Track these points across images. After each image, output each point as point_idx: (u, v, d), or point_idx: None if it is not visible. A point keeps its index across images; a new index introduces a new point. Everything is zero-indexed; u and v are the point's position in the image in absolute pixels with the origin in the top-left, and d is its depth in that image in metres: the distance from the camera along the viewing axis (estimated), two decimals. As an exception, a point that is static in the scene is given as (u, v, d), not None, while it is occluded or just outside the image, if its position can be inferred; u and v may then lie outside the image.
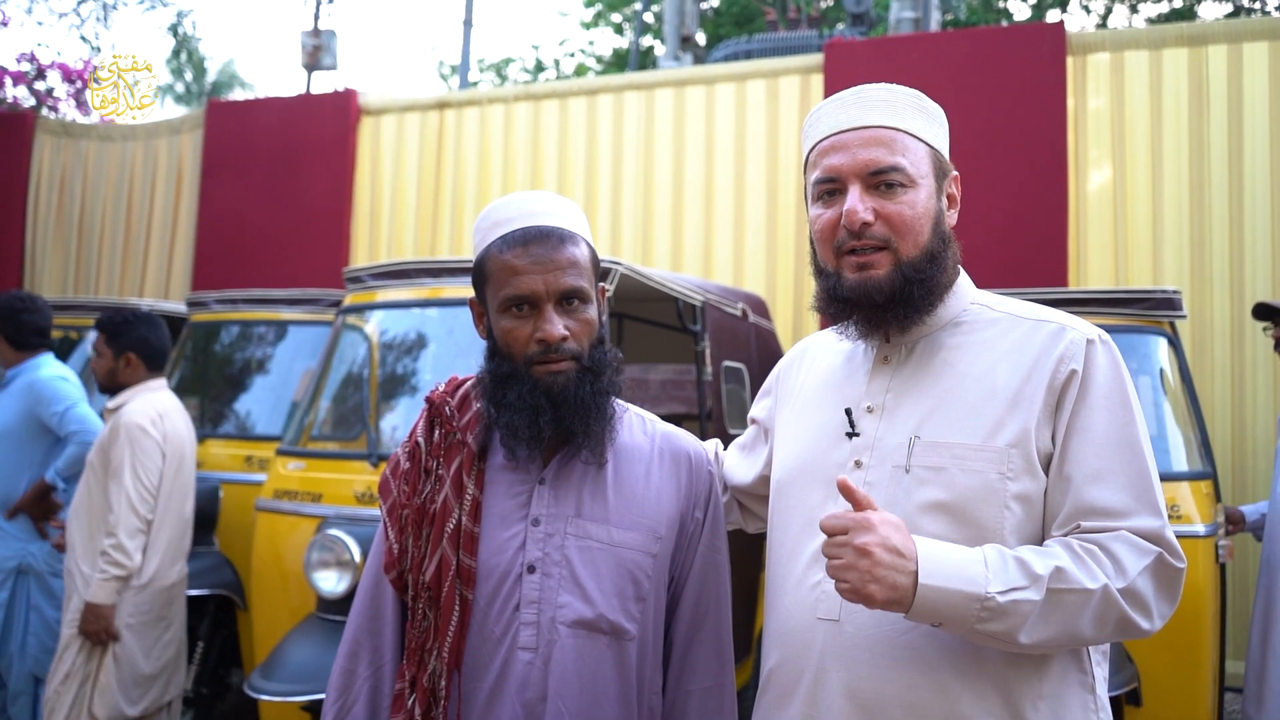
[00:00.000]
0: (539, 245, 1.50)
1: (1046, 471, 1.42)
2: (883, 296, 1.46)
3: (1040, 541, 1.41)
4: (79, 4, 11.26)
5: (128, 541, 3.32)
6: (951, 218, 1.55)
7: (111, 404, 3.57)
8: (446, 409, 1.60)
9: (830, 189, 1.50)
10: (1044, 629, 1.31)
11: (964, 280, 1.58)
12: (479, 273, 1.57)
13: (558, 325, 1.48)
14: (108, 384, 3.62)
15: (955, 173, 1.57)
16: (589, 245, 1.58)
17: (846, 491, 1.33)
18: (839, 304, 1.50)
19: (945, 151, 1.55)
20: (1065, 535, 1.38)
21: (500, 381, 1.52)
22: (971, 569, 1.30)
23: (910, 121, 1.50)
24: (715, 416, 4.14)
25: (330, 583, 3.32)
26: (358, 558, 3.28)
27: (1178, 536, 1.41)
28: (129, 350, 3.59)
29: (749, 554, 4.12)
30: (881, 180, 1.46)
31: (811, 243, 1.57)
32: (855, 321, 1.51)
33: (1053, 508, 1.41)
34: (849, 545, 1.29)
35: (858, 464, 1.49)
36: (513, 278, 1.49)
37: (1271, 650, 3.42)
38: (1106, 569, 1.33)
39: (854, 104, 1.51)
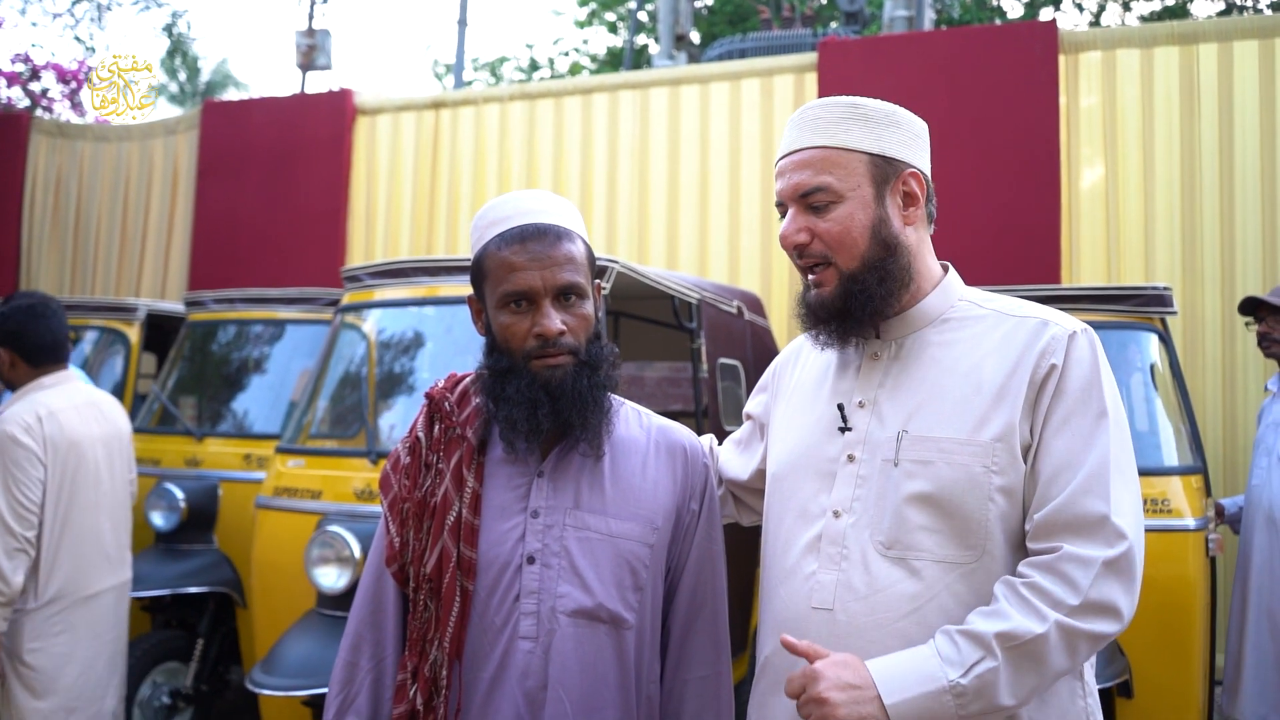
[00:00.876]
0: (536, 242, 1.53)
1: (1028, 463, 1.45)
2: (832, 312, 1.54)
3: (1024, 530, 1.45)
4: (73, 4, 11.26)
5: (4, 563, 2.96)
6: (911, 216, 1.57)
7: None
8: (446, 404, 1.63)
9: (781, 212, 1.59)
10: (1020, 684, 1.34)
11: (952, 277, 1.62)
12: (477, 270, 1.60)
13: (555, 320, 1.51)
14: (10, 387, 3.30)
15: (912, 168, 1.56)
16: (585, 242, 1.62)
17: (790, 647, 1.38)
18: (806, 315, 1.60)
19: (898, 152, 1.55)
20: (1028, 546, 1.42)
21: (499, 376, 1.55)
22: (927, 666, 1.34)
23: (842, 135, 1.54)
24: (711, 413, 4.17)
25: (330, 579, 3.35)
26: (357, 554, 3.31)
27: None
28: (4, 347, 3.23)
29: (744, 550, 4.15)
30: (809, 201, 1.53)
31: None
32: (819, 332, 1.59)
33: (1027, 498, 1.44)
34: (809, 700, 1.33)
35: (850, 458, 1.53)
36: (511, 274, 1.52)
37: (1246, 640, 3.48)
38: (1055, 597, 1.34)
39: (796, 126, 1.58)
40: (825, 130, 1.54)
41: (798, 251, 1.55)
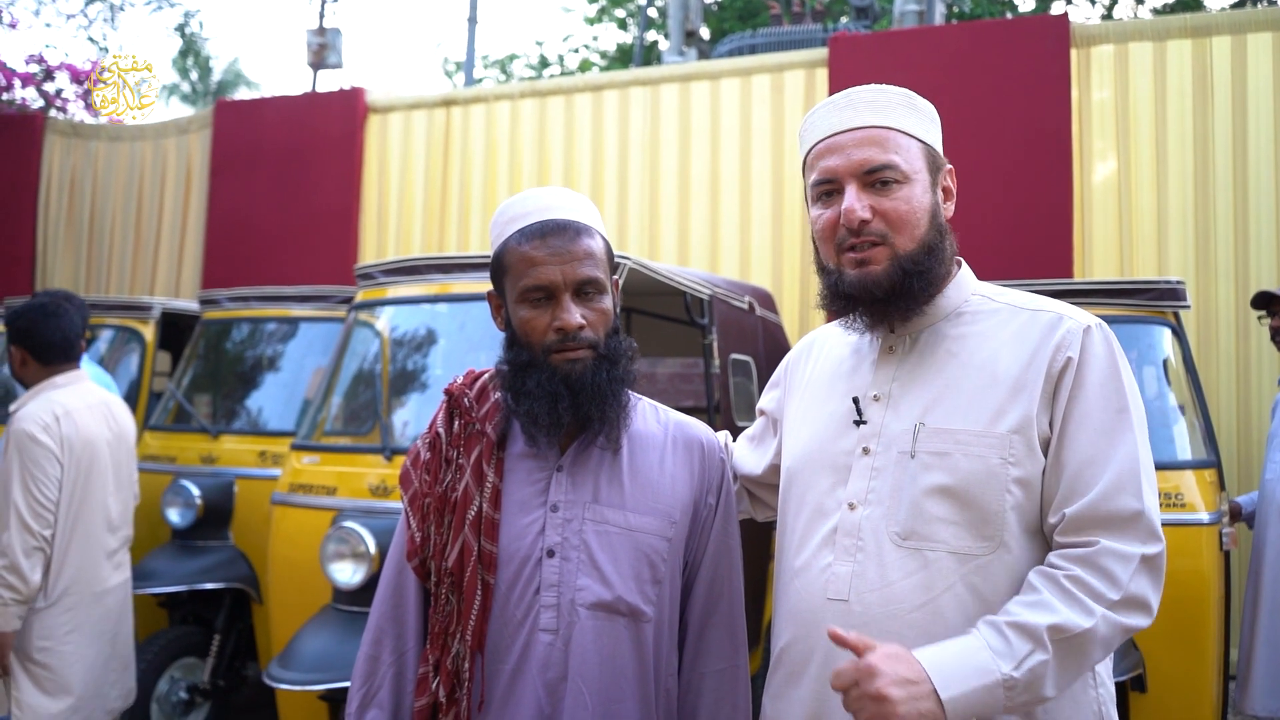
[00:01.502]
0: (556, 237, 1.55)
1: (1046, 456, 1.46)
2: (882, 291, 1.51)
3: (1040, 522, 1.45)
4: (86, 5, 11.31)
5: (22, 561, 3.00)
6: (947, 210, 1.59)
7: (12, 407, 3.26)
8: (465, 400, 1.65)
9: (828, 189, 1.55)
10: (1064, 676, 1.35)
11: (965, 272, 1.62)
12: (497, 265, 1.61)
13: (575, 314, 1.53)
14: (22, 385, 3.35)
15: (949, 166, 1.60)
16: (603, 238, 1.63)
17: (839, 640, 1.34)
18: (842, 300, 1.55)
19: (938, 146, 1.59)
20: (1055, 539, 1.42)
21: (519, 370, 1.56)
22: (978, 658, 1.32)
23: (901, 119, 1.55)
24: (723, 409, 4.18)
25: (346, 574, 3.37)
26: (373, 549, 3.33)
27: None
28: (16, 345, 3.26)
29: (758, 545, 4.16)
30: (877, 178, 1.51)
31: (814, 242, 1.62)
32: (859, 316, 1.56)
33: (1049, 491, 1.45)
34: (864, 696, 1.30)
35: (865, 450, 1.54)
36: (531, 269, 1.54)
37: (1259, 634, 3.48)
38: (1097, 590, 1.36)
39: (845, 106, 1.56)
40: (886, 112, 1.54)
41: (855, 230, 1.50)
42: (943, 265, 1.54)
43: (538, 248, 1.54)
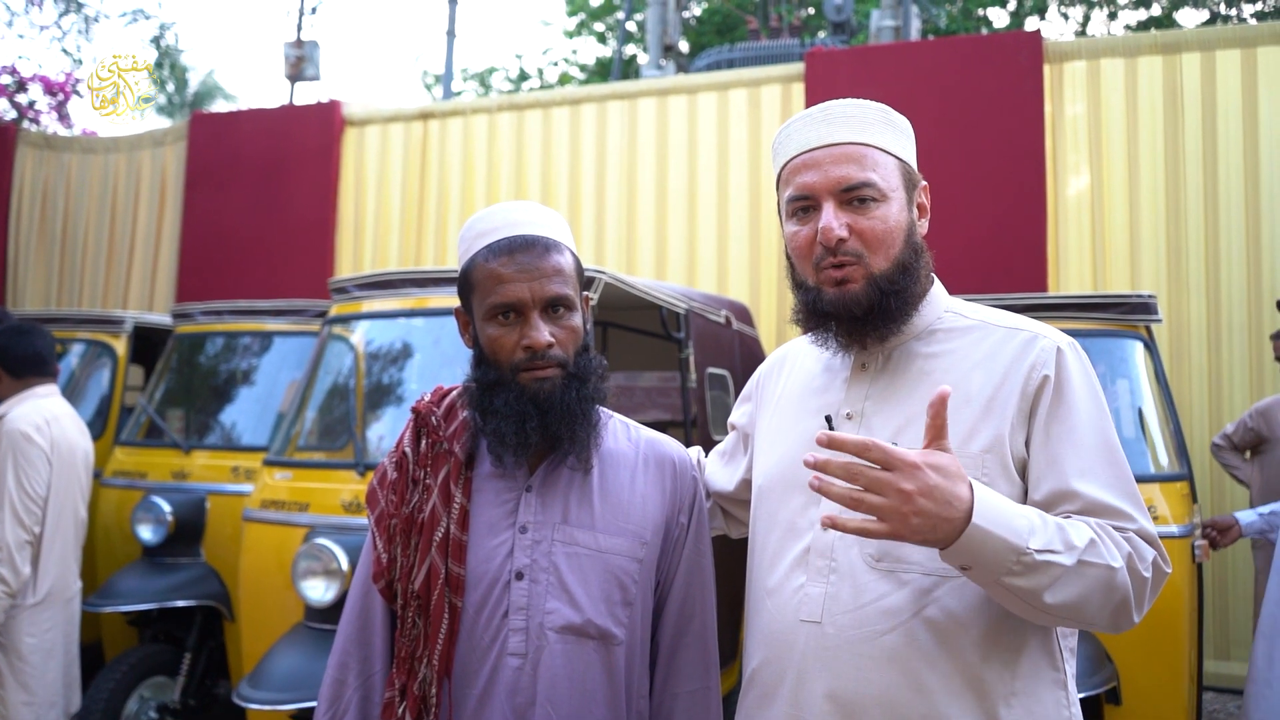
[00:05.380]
0: (524, 253, 1.52)
1: (1022, 476, 1.46)
2: (860, 310, 1.49)
3: None
4: (60, 17, 11.24)
5: (15, 555, 3.13)
6: (922, 227, 1.59)
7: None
8: (433, 419, 1.62)
9: (805, 205, 1.54)
10: (1065, 594, 1.32)
11: (938, 289, 1.62)
12: (465, 282, 1.59)
13: (543, 332, 1.50)
14: None
15: (924, 182, 1.60)
16: (573, 254, 1.61)
17: (837, 444, 1.27)
18: (819, 317, 1.54)
19: (914, 162, 1.59)
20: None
21: (487, 389, 1.54)
22: (1017, 521, 1.31)
23: (878, 136, 1.53)
24: (700, 423, 4.18)
25: (318, 591, 3.33)
26: (345, 566, 3.30)
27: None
28: None
29: (735, 561, 4.15)
30: (854, 196, 1.49)
31: (788, 257, 1.60)
32: (834, 334, 1.55)
33: (1033, 483, 1.45)
34: (888, 485, 1.25)
35: (838, 470, 1.53)
36: (499, 285, 1.51)
37: (1276, 647, 3.43)
38: (1125, 553, 1.37)
39: (822, 121, 1.54)
40: (863, 129, 1.52)
41: (832, 249, 1.49)
42: (918, 284, 1.53)
43: (505, 264, 1.52)
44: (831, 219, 1.48)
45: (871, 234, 1.49)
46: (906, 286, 1.51)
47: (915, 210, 1.57)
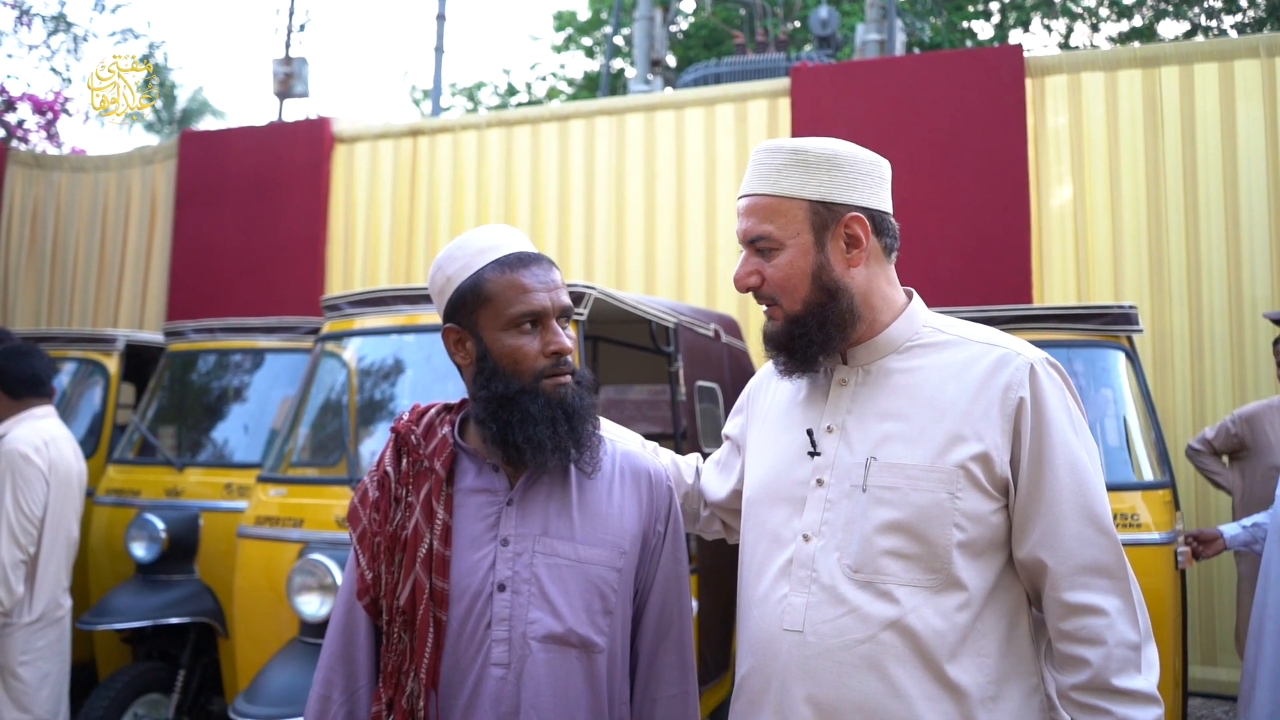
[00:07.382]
0: (537, 266, 1.60)
1: (1004, 492, 1.51)
2: (779, 345, 1.62)
3: (990, 553, 1.51)
4: (49, 36, 11.26)
5: (10, 573, 3.16)
6: (854, 258, 1.59)
7: None
8: (413, 437, 1.66)
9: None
10: None
11: (916, 303, 1.67)
12: (470, 296, 1.59)
13: (565, 338, 1.59)
14: None
15: (853, 213, 1.58)
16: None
17: None
18: (765, 344, 1.68)
19: (839, 195, 1.58)
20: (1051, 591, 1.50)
21: (508, 401, 1.56)
22: None
23: (784, 182, 1.58)
24: (690, 435, 4.22)
25: (313, 606, 3.36)
26: (339, 582, 3.32)
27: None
28: None
29: (728, 569, 4.18)
30: (756, 246, 1.61)
31: None
32: (776, 361, 1.67)
33: (1019, 531, 1.52)
34: None
35: (819, 482, 1.57)
36: (524, 295, 1.57)
37: (1263, 654, 3.47)
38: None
39: (750, 168, 1.65)
40: (769, 178, 1.60)
41: (750, 291, 1.64)
42: (831, 325, 1.57)
43: (526, 275, 1.58)
44: (740, 267, 1.63)
45: (774, 280, 1.60)
46: (815, 327, 1.58)
47: (839, 246, 1.58)
